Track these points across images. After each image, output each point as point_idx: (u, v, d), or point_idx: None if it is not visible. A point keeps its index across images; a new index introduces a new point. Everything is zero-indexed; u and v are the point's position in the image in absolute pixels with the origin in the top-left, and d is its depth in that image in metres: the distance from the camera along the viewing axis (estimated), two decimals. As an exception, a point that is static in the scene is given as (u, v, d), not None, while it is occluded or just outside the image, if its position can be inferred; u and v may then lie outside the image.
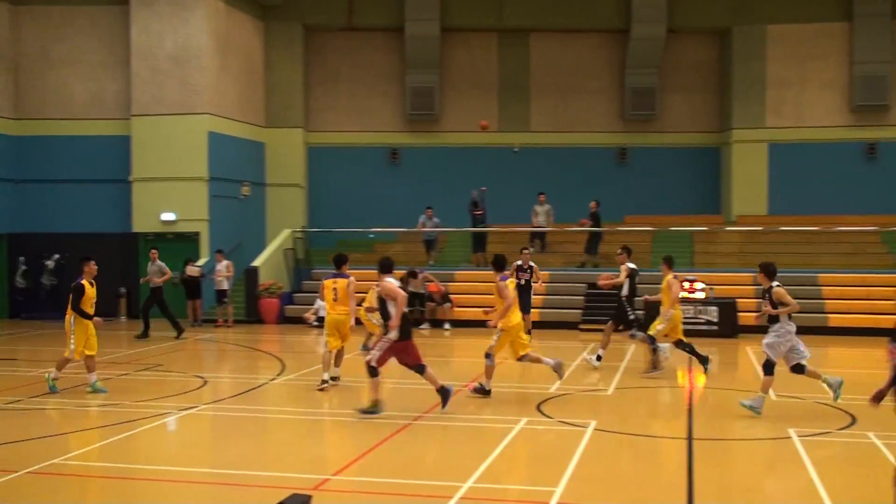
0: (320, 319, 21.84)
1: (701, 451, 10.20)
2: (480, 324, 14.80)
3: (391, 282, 11.83)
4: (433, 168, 28.69)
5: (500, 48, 28.84)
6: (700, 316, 20.82)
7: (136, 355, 18.02)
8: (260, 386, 14.54)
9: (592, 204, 24.96)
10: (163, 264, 21.19)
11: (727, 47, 28.07)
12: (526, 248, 20.26)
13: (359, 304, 15.23)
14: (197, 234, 24.92)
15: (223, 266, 23.19)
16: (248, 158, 27.29)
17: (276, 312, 23.87)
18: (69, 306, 13.56)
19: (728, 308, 21.08)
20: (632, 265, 16.03)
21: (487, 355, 12.97)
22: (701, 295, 21.04)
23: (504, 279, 13.02)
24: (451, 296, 23.22)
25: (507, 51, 28.81)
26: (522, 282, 18.68)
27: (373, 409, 11.68)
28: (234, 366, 17.34)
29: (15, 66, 25.82)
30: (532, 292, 19.48)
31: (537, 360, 13.31)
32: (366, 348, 16.37)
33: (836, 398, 12.05)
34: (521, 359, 13.17)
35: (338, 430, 11.67)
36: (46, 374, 13.84)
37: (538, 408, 12.32)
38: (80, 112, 25.80)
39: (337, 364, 14.15)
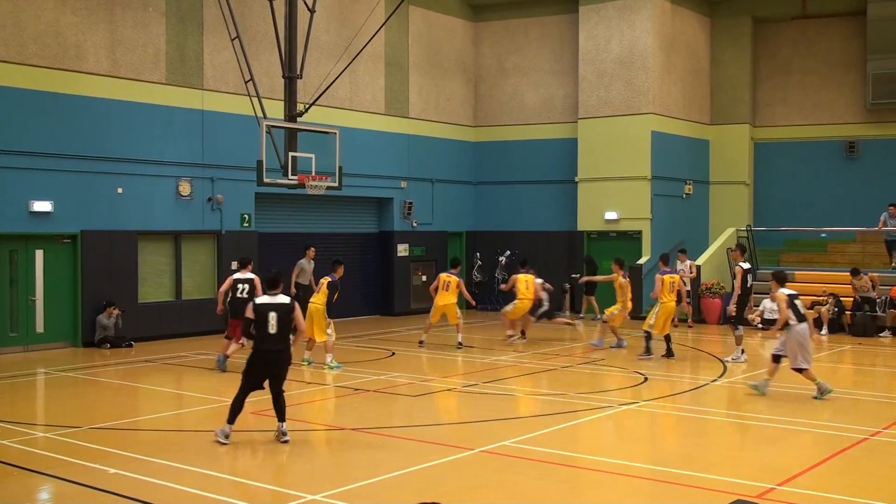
0: (766, 321, 20.91)
1: None
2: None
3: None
4: (899, 162, 26.00)
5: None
6: None
7: (579, 349, 18.58)
8: (700, 386, 14.22)
9: None
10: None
11: None
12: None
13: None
14: (639, 232, 25.12)
15: (686, 266, 23.13)
16: (692, 156, 26.91)
17: (719, 313, 23.23)
18: (324, 298, 15.76)
19: None
20: None
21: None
22: None
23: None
24: (917, 303, 20.86)
25: None
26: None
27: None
28: (675, 365, 17.17)
29: (475, 78, 28.09)
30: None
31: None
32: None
33: None
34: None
35: (785, 438, 10.99)
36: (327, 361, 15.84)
37: None
38: (532, 117, 27.31)
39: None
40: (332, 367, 15.76)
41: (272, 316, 10.11)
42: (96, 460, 9.51)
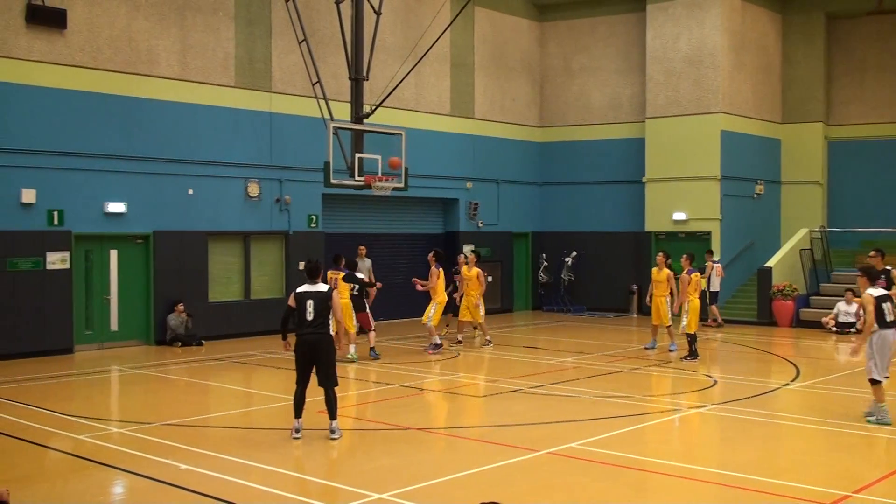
0: (840, 325, 20.47)
1: None
2: None
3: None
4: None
5: None
6: None
7: (646, 352, 18.33)
8: (772, 390, 13.93)
9: None
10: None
11: None
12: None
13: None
14: (709, 233, 24.71)
15: (708, 266, 22.72)
16: (762, 156, 26.39)
17: (791, 315, 22.74)
18: (344, 293, 16.42)
19: None
20: None
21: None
22: None
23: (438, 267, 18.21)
24: None
25: None
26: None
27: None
28: (745, 368, 16.84)
29: (541, 78, 27.96)
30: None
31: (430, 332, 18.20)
32: None
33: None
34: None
35: (860, 444, 10.70)
36: (351, 353, 16.56)
37: None
38: (598, 117, 27.06)
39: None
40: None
41: (309, 303, 10.52)
42: (167, 456, 9.69)
